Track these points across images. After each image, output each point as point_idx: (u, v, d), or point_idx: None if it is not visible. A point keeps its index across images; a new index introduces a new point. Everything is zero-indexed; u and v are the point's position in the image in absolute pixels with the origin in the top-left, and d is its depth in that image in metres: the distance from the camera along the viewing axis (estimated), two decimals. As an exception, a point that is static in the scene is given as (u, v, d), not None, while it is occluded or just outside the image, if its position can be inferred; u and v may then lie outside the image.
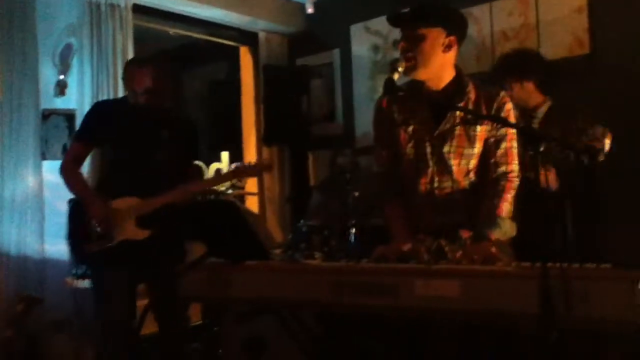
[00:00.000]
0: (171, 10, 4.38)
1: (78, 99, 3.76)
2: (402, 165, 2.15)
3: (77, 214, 2.67)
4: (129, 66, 2.86)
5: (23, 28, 3.55)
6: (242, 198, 4.93)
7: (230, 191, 4.37)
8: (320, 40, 4.92)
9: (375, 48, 4.62)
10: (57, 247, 3.59)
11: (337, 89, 4.85)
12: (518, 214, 2.47)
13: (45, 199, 3.63)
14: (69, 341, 3.55)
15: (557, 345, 1.43)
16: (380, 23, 4.55)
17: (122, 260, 2.60)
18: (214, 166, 4.97)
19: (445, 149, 2.07)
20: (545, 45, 3.79)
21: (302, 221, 3.87)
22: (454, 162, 2.08)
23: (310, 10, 4.56)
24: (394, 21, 2.11)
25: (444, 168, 2.09)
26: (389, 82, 1.97)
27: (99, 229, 2.58)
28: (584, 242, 2.86)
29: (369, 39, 4.65)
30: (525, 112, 2.99)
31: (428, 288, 1.67)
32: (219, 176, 3.15)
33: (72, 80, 3.78)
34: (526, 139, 1.64)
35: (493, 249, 1.85)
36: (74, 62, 3.79)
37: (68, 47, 3.78)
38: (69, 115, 3.75)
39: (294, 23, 4.98)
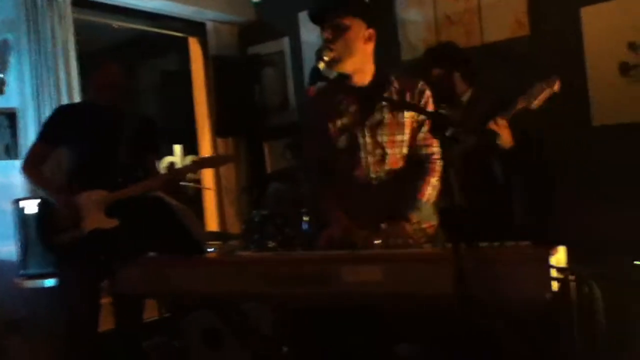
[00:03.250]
0: (114, 2, 4.29)
1: (19, 97, 3.68)
2: (332, 159, 2.17)
3: (45, 209, 2.80)
4: (99, 68, 2.97)
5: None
6: (198, 190, 4.91)
7: (190, 184, 4.37)
8: (269, 28, 4.89)
9: (324, 35, 4.62)
10: (5, 248, 3.56)
11: (288, 76, 4.84)
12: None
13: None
14: (23, 342, 3.51)
15: (471, 324, 1.48)
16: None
17: (91, 250, 2.69)
18: (167, 159, 4.95)
19: (379, 138, 2.11)
20: (488, 27, 3.86)
21: (254, 211, 3.89)
22: (389, 151, 2.12)
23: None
24: (317, 12, 2.12)
25: (380, 157, 2.12)
26: (315, 71, 1.98)
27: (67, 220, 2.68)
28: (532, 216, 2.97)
29: (317, 26, 4.63)
30: (451, 99, 3.09)
31: (354, 274, 1.69)
32: (180, 168, 3.25)
33: (11, 78, 3.70)
34: (435, 124, 1.68)
35: (408, 228, 1.91)
36: (12, 60, 3.71)
37: (4, 44, 3.69)
38: (10, 115, 3.67)
39: (242, 12, 4.93)
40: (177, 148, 4.94)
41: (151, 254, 2.20)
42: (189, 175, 4.65)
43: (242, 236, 3.90)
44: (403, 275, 1.62)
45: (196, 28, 4.93)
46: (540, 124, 3.31)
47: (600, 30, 3.45)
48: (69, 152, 2.91)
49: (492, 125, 2.61)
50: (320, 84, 2.14)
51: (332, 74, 2.11)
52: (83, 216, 2.68)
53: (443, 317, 1.58)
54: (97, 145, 2.81)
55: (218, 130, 4.78)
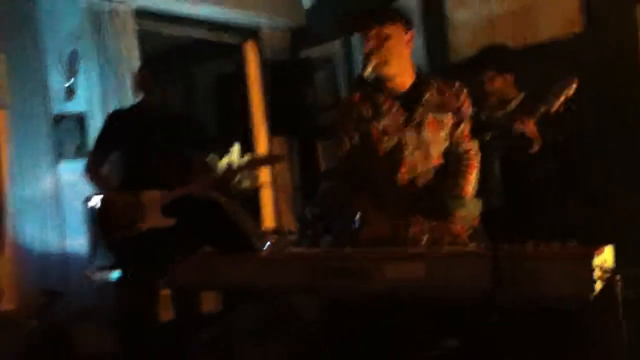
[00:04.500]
0: (173, 13, 4.52)
1: (87, 102, 3.96)
2: (374, 160, 2.25)
3: (106, 208, 2.93)
4: (142, 71, 3.14)
5: (28, 37, 3.73)
6: (256, 189, 5.09)
7: (246, 183, 4.54)
8: (321, 32, 5.02)
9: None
10: (77, 242, 3.82)
11: (339, 79, 4.95)
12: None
13: (63, 197, 3.83)
14: (92, 330, 3.74)
15: (508, 321, 1.54)
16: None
17: (149, 247, 2.81)
18: (226, 159, 5.14)
19: (424, 137, 2.20)
20: (538, 26, 3.84)
21: (307, 209, 4.02)
22: (432, 148, 2.21)
23: (307, 4, 4.65)
24: (355, 26, 2.23)
25: (424, 155, 2.21)
26: (359, 79, 2.10)
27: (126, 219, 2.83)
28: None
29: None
30: (501, 103, 3.14)
31: (397, 271, 1.78)
32: (236, 167, 3.35)
33: (80, 85, 3.97)
34: (475, 127, 1.74)
35: (456, 227, 1.99)
36: (81, 68, 3.97)
37: (74, 53, 3.95)
38: (79, 118, 3.94)
39: (294, 18, 5.09)
40: (235, 148, 5.13)
41: (206, 249, 2.34)
42: (245, 174, 4.83)
43: (296, 233, 4.04)
44: (444, 272, 1.69)
45: (251, 34, 5.12)
46: (590, 122, 3.32)
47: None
48: (124, 154, 3.06)
49: (518, 125, 2.68)
50: (362, 90, 2.25)
51: (373, 77, 2.21)
52: (140, 215, 2.80)
53: (483, 315, 1.64)
54: (147, 146, 2.94)
55: (273, 130, 4.94)
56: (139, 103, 3.11)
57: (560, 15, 3.73)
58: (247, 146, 5.21)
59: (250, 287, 2.07)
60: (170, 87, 3.15)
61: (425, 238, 1.99)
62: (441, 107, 2.21)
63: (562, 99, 2.64)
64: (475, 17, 4.12)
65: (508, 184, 2.95)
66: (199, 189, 2.87)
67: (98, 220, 3.04)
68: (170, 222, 2.79)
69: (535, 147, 2.70)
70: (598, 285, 1.49)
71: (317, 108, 4.97)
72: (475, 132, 1.66)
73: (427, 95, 2.21)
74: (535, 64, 3.74)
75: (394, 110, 2.22)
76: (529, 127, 2.69)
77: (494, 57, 3.16)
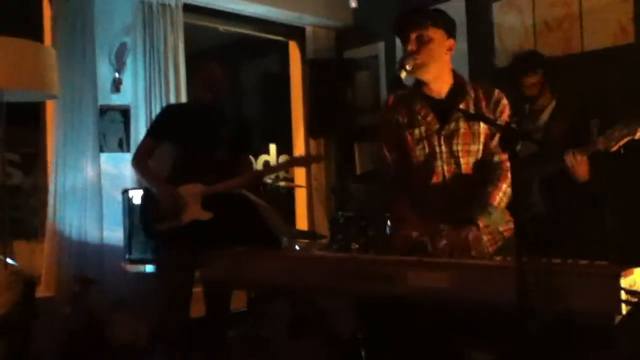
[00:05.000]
0: (220, 8, 4.57)
1: (132, 95, 4.03)
2: (409, 167, 2.24)
3: (149, 199, 3.01)
4: (206, 70, 3.15)
5: (82, 30, 3.80)
6: (291, 189, 5.12)
7: (282, 183, 4.58)
8: (366, 33, 5.00)
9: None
10: (114, 234, 3.90)
11: (382, 79, 4.92)
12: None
13: (103, 189, 3.92)
14: (126, 320, 3.82)
15: (534, 335, 1.50)
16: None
17: (189, 239, 2.87)
18: (263, 158, 5.19)
19: (455, 147, 2.16)
20: (589, 34, 3.72)
21: (339, 212, 4.00)
22: (462, 160, 2.17)
23: (354, 5, 4.64)
24: (401, 25, 2.19)
25: (455, 166, 2.18)
26: (395, 80, 2.06)
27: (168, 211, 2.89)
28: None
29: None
30: (532, 110, 3.11)
31: (420, 279, 1.76)
32: (271, 167, 3.41)
33: (126, 78, 4.05)
34: (504, 137, 1.70)
35: (474, 233, 1.94)
36: (129, 61, 4.06)
37: (123, 46, 4.04)
38: (124, 111, 4.02)
39: (340, 17, 5.08)
40: (272, 147, 5.18)
41: (238, 246, 2.35)
42: (282, 174, 4.88)
43: (326, 236, 4.03)
44: (468, 283, 1.66)
45: (296, 32, 5.14)
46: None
47: None
48: (173, 147, 3.12)
49: (569, 158, 2.68)
50: (399, 93, 2.22)
51: (410, 81, 2.18)
52: (183, 207, 2.87)
53: (508, 327, 1.60)
54: (197, 142, 3.00)
55: (311, 131, 4.95)
56: (197, 99, 3.16)
57: (613, 24, 3.61)
58: (286, 146, 5.24)
59: (274, 286, 2.07)
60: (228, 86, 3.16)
61: (442, 244, 1.96)
62: (477, 116, 2.15)
63: (625, 141, 2.58)
64: (522, 24, 4.02)
65: (548, 199, 2.89)
66: (236, 185, 2.92)
67: (140, 211, 3.11)
68: (209, 215, 2.84)
69: (580, 178, 2.72)
70: (625, 307, 1.43)
71: (357, 109, 4.96)
72: (506, 142, 1.61)
73: (462, 105, 2.17)
74: (584, 72, 3.65)
75: (429, 118, 2.19)
76: (581, 166, 2.70)
77: (533, 63, 3.10)
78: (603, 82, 3.55)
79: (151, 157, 3.13)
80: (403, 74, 2.09)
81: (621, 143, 2.57)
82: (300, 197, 5.21)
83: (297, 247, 2.24)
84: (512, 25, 4.10)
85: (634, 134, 2.56)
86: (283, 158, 5.16)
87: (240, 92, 6.06)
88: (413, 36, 2.14)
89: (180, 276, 2.88)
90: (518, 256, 1.51)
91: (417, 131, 2.20)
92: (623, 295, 1.45)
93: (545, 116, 3.09)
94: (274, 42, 5.33)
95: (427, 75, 2.16)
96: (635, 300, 1.49)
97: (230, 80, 3.19)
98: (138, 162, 3.10)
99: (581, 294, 1.49)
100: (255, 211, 2.60)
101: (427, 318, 1.82)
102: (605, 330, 1.51)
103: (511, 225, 2.26)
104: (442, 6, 4.38)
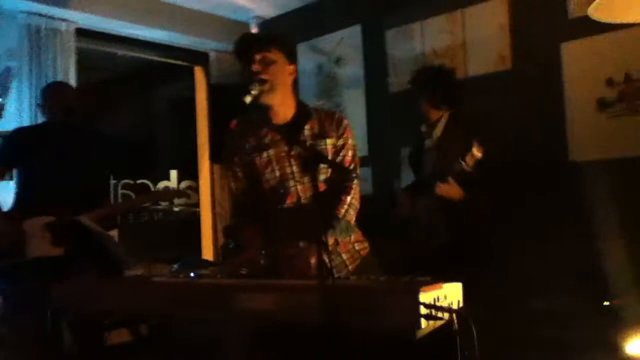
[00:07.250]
0: (118, 33, 4.52)
1: (17, 121, 3.89)
2: (260, 191, 2.23)
3: None
4: (48, 88, 3.05)
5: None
6: (195, 213, 5.05)
7: (176, 208, 4.54)
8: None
9: (319, 67, 4.74)
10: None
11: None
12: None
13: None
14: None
15: (343, 354, 1.49)
16: (325, 42, 4.69)
17: (36, 276, 2.66)
18: (163, 184, 5.11)
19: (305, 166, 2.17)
20: (472, 62, 3.87)
21: (230, 240, 3.97)
22: (315, 178, 2.17)
23: (254, 30, 4.68)
24: (245, 46, 2.20)
25: (309, 185, 2.18)
26: (240, 105, 2.07)
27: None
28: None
29: (314, 58, 4.76)
30: (428, 126, 3.18)
31: (250, 301, 1.74)
32: (132, 200, 3.35)
33: (11, 103, 3.93)
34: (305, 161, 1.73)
35: (313, 260, 1.95)
36: (14, 85, 3.94)
37: (7, 71, 3.92)
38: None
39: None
40: (173, 173, 5.11)
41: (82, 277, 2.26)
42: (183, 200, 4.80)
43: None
44: (288, 303, 1.65)
45: (200, 57, 5.12)
46: (518, 158, 3.32)
47: (579, 66, 3.42)
48: (21, 173, 2.91)
49: (440, 190, 2.85)
50: (244, 117, 2.24)
51: (255, 105, 2.18)
52: (27, 242, 2.66)
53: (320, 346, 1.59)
54: (47, 167, 2.79)
55: (213, 156, 4.91)
56: (48, 119, 3.00)
57: (493, 52, 3.76)
58: (190, 172, 5.18)
59: (117, 313, 2.01)
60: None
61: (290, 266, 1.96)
62: (321, 137, 2.20)
63: (473, 160, 2.71)
64: (412, 53, 4.15)
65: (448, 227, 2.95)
66: (98, 216, 2.77)
67: None
68: (59, 251, 2.66)
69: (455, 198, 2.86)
70: (425, 322, 1.44)
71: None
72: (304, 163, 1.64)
73: (308, 126, 2.20)
74: (468, 96, 3.77)
75: (276, 140, 2.20)
76: (453, 189, 2.83)
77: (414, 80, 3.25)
78: (485, 105, 3.68)
79: None
80: (248, 99, 2.10)
81: (472, 164, 2.66)
82: (206, 224, 5.13)
83: (137, 274, 2.19)
84: (404, 52, 4.21)
85: (476, 153, 2.68)
86: (185, 184, 5.11)
87: (148, 118, 5.98)
88: (258, 57, 2.16)
89: (29, 314, 2.61)
90: (320, 277, 1.52)
91: (265, 154, 2.20)
92: (423, 310, 1.46)
93: (438, 131, 3.15)
94: (181, 67, 5.29)
95: (272, 101, 2.18)
96: (440, 315, 1.51)
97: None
98: None
99: (382, 310, 1.49)
100: (95, 240, 2.50)
101: (253, 340, 1.79)
102: (410, 345, 1.51)
103: (366, 244, 2.30)
104: (340, 33, 4.65)
